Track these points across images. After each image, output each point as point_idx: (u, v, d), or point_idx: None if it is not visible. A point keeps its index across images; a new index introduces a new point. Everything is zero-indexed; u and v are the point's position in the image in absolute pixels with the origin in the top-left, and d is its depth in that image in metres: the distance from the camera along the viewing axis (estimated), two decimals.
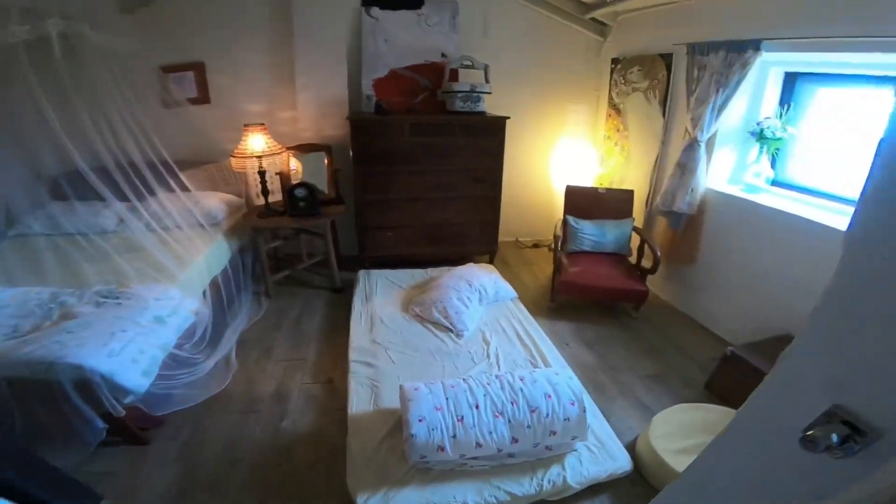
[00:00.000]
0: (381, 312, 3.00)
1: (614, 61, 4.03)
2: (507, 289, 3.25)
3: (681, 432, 1.98)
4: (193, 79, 3.60)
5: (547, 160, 4.51)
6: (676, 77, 3.36)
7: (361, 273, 3.55)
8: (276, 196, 3.52)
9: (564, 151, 4.35)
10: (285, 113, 3.77)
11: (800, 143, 2.85)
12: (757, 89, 2.95)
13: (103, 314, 2.14)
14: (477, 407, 1.89)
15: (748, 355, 2.34)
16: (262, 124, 3.21)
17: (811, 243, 2.52)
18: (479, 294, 3.07)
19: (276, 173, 3.53)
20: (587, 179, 4.36)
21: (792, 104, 2.82)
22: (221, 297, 3.01)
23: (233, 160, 3.17)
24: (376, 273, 3.55)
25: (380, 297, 3.22)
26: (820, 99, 2.74)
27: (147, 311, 2.23)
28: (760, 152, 2.95)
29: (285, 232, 3.77)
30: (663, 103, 3.50)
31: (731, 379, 2.39)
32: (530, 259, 4.38)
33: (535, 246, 4.67)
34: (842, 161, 2.61)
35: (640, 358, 2.83)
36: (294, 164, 3.63)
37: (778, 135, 2.80)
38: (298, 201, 3.32)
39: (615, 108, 4.10)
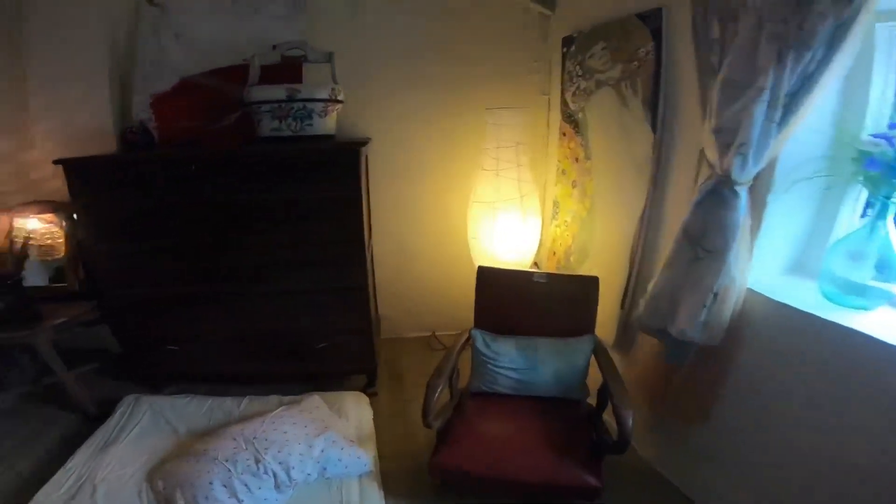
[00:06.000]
0: (103, 484, 1.68)
1: (566, 42, 2.43)
2: (351, 457, 1.77)
3: None
4: None
5: (464, 210, 2.60)
6: (674, 51, 1.72)
7: (127, 400, 2.19)
8: None
9: (489, 198, 2.40)
10: (30, 153, 2.52)
11: None
12: (860, 60, 1.28)
13: None
14: None
15: None
16: None
17: None
18: (275, 477, 1.65)
19: None
20: (526, 248, 2.49)
21: None
22: None
23: None
24: (150, 401, 2.18)
25: (127, 446, 1.88)
26: None
27: None
28: (876, 205, 1.31)
29: None
30: (651, 104, 1.82)
31: None
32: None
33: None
34: None
35: None
36: (37, 228, 2.43)
37: None
38: None
39: (571, 120, 2.44)
